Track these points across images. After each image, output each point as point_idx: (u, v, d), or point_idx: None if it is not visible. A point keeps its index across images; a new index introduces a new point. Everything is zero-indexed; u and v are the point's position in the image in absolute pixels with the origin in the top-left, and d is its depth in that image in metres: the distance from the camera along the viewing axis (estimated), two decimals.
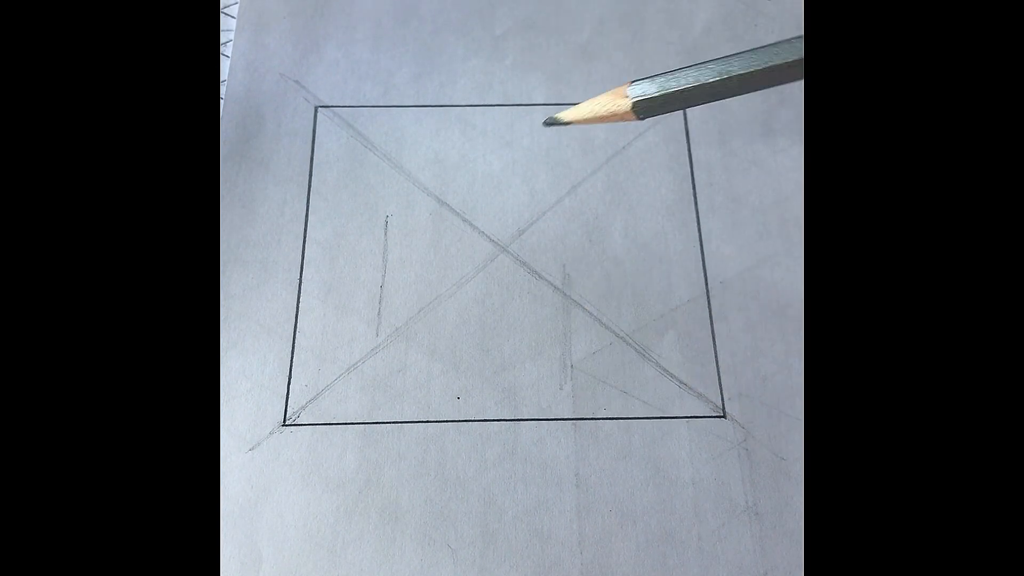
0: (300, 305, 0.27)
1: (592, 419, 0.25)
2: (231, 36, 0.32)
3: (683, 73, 0.24)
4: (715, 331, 0.27)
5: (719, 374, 0.26)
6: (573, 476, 0.24)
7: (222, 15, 0.33)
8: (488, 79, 0.31)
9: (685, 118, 0.30)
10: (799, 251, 0.28)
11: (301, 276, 0.27)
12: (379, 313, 0.27)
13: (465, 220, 0.29)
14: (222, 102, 0.30)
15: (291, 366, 0.26)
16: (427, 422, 0.25)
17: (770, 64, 0.23)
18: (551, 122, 0.25)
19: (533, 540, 0.23)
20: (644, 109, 0.24)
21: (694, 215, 0.29)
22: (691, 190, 0.29)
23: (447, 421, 0.25)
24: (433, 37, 0.32)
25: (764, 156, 0.29)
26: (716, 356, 0.26)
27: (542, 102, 0.31)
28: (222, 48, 0.32)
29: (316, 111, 0.31)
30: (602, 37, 0.32)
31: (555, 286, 0.27)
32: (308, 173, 0.29)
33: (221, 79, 0.31)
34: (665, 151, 0.27)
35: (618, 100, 0.24)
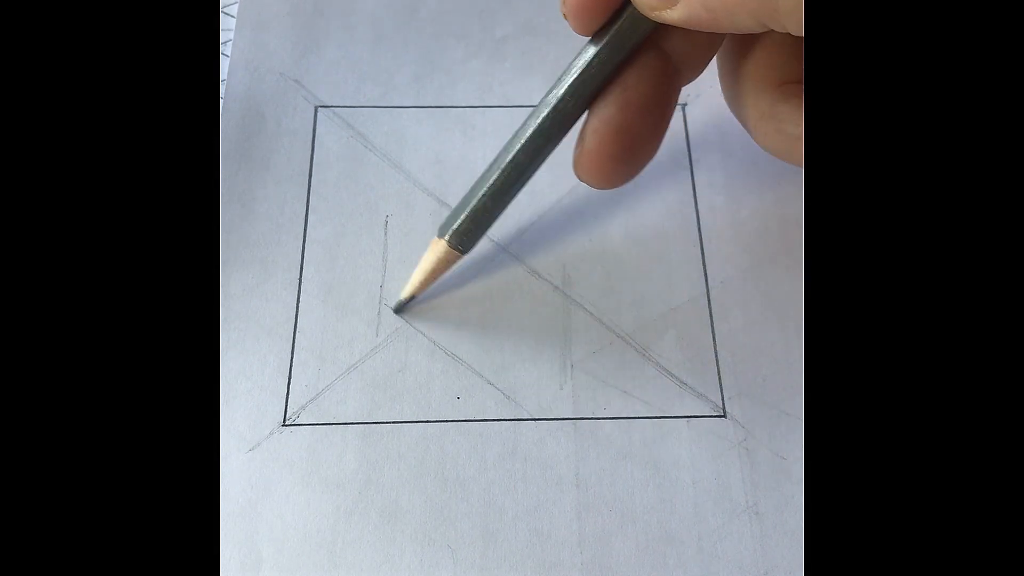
0: (300, 305, 0.27)
1: (592, 419, 0.25)
2: (231, 36, 0.32)
3: (474, 188, 0.24)
4: (715, 331, 0.27)
5: (719, 374, 0.26)
6: (573, 476, 0.24)
7: (222, 15, 0.33)
8: (488, 81, 0.31)
9: (684, 118, 0.30)
10: (799, 251, 0.28)
11: (301, 276, 0.27)
12: (379, 313, 0.27)
13: None
14: (222, 101, 0.30)
15: (291, 366, 0.26)
16: (427, 422, 0.25)
17: (536, 133, 0.23)
18: (399, 307, 0.26)
19: (533, 540, 0.23)
20: (461, 241, 0.25)
21: (694, 215, 0.29)
22: (691, 190, 0.29)
23: (447, 421, 0.25)
24: (434, 39, 0.32)
25: (764, 157, 0.29)
26: (716, 356, 0.26)
27: None
28: (222, 48, 0.32)
29: (316, 111, 0.31)
30: None
31: (555, 286, 0.27)
32: (308, 173, 0.29)
33: (221, 79, 0.31)
34: (665, 151, 0.27)
35: (435, 249, 0.25)
